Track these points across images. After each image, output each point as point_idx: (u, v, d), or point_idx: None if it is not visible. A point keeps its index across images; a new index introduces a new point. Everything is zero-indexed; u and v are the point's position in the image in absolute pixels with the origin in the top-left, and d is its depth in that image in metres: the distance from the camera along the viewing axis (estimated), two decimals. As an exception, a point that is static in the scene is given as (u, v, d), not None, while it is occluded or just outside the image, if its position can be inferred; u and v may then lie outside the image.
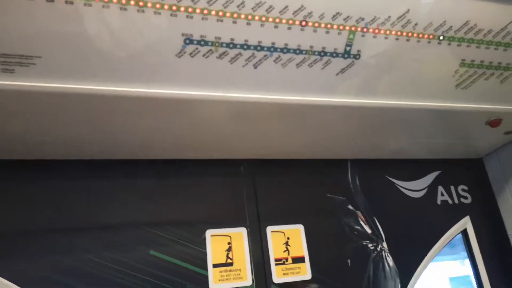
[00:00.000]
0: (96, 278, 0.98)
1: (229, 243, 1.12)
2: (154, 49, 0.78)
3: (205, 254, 1.08)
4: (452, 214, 1.40)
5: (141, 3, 0.72)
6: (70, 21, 0.70)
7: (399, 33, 0.93)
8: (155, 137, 1.01)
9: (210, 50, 0.82)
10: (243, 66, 0.86)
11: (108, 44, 0.74)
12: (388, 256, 1.25)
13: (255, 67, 0.88)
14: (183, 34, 0.78)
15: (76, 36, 0.72)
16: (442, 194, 1.43)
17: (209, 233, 1.11)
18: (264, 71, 0.89)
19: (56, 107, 0.81)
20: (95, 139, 0.96)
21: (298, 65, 0.91)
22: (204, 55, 0.82)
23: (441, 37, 0.97)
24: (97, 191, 1.06)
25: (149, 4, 0.73)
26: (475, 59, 1.05)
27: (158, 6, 0.74)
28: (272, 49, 0.87)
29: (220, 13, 0.79)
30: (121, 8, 0.72)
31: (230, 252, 1.11)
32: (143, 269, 1.02)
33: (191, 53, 0.81)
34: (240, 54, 0.84)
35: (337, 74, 0.96)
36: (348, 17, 0.87)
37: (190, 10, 0.76)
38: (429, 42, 0.98)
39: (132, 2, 0.72)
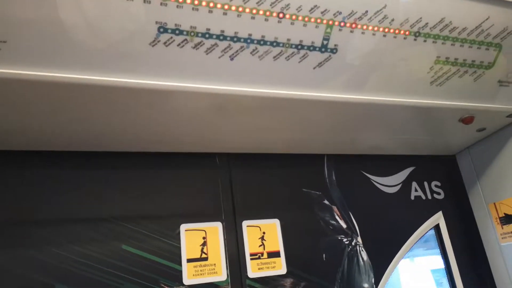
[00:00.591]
0: (67, 273, 0.95)
1: (204, 238, 1.11)
2: (127, 37, 0.76)
3: (179, 248, 1.07)
4: (425, 210, 1.43)
5: (113, -11, 0.70)
6: (40, 5, 0.67)
7: (376, 28, 0.94)
8: (128, 129, 0.99)
9: (185, 39, 0.80)
10: (219, 57, 0.85)
11: (79, 30, 0.71)
12: (362, 250, 1.26)
13: (232, 59, 0.86)
14: (157, 22, 0.76)
15: (45, 22, 0.69)
16: (416, 190, 1.45)
17: (183, 227, 1.09)
18: (241, 63, 0.87)
19: (24, 95, 0.78)
20: (66, 130, 0.93)
21: (275, 57, 0.90)
22: (178, 44, 0.80)
23: (417, 34, 0.98)
24: (67, 183, 1.03)
25: (122, -10, 0.71)
26: (449, 56, 1.06)
27: (131, -8, 0.71)
28: (248, 41, 0.85)
29: (196, 2, 0.77)
30: (92, -7, 0.69)
31: (205, 247, 1.10)
32: (115, 264, 0.99)
33: (165, 42, 0.79)
34: (216, 44, 0.83)
35: (314, 68, 0.95)
36: (325, 10, 0.87)
37: (164, -3, 0.74)
38: (405, 38, 0.98)
39: (104, -12, 0.69)
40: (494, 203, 1.40)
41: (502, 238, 1.37)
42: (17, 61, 0.71)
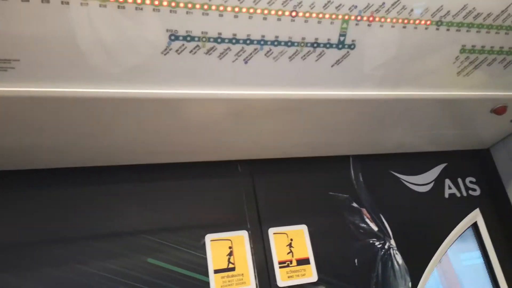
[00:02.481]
0: (94, 290, 0.94)
1: (230, 247, 1.08)
2: (138, 47, 0.75)
3: (205, 259, 1.05)
4: (461, 207, 1.36)
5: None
6: (47, 21, 0.67)
7: (394, 20, 0.90)
8: (146, 141, 0.98)
9: (197, 45, 0.79)
10: (233, 62, 0.83)
11: (88, 44, 0.71)
12: (396, 253, 1.20)
13: (246, 62, 0.84)
14: (167, 30, 0.75)
15: (54, 37, 0.69)
16: (450, 187, 1.38)
17: (208, 237, 1.07)
18: (256, 66, 0.85)
19: (38, 112, 0.78)
20: (83, 145, 0.93)
21: (290, 58, 0.87)
22: (191, 51, 0.78)
23: (439, 23, 0.93)
24: (89, 199, 1.02)
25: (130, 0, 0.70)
26: (475, 44, 1.01)
27: (139, 1, 0.71)
28: (262, 42, 0.83)
29: (205, 7, 0.75)
30: (100, 5, 0.69)
31: (232, 257, 1.07)
32: (141, 277, 0.98)
33: (177, 50, 0.77)
34: (229, 48, 0.81)
35: (332, 66, 0.92)
36: (340, 5, 0.84)
37: (173, 4, 0.73)
38: (426, 29, 0.94)
39: (112, -1, 0.69)
40: (535, 197, 1.32)
41: (547, 233, 1.29)
42: (30, 79, 0.71)
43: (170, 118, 0.90)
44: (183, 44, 0.77)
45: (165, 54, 0.77)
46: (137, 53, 0.75)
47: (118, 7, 0.70)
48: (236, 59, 0.83)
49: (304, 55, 0.88)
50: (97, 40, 0.72)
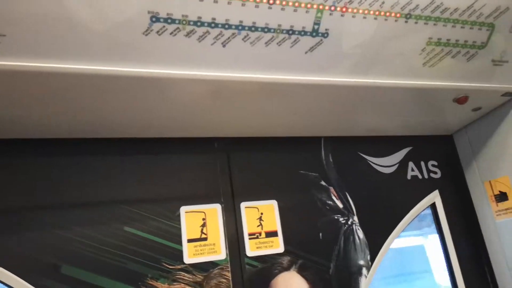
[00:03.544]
0: (72, 254, 1.00)
1: (203, 219, 1.15)
2: (120, 27, 0.78)
3: (179, 229, 1.11)
4: (421, 189, 1.45)
5: (105, -19, 0.72)
6: (34, -1, 0.69)
7: (366, 11, 0.95)
8: (126, 116, 1.02)
9: (178, 28, 0.82)
10: (212, 44, 0.87)
11: (72, 22, 0.74)
12: (358, 229, 1.30)
13: (224, 45, 0.88)
14: (149, 12, 0.78)
15: (40, 14, 0.71)
16: (413, 170, 1.47)
17: (183, 209, 1.14)
18: (233, 49, 0.90)
19: (23, 86, 0.81)
20: (65, 118, 0.97)
21: (266, 43, 0.92)
22: (171, 33, 0.82)
23: (408, 16, 0.99)
24: (68, 170, 1.07)
25: (113, -18, 0.73)
26: (441, 37, 1.07)
27: (122, -17, 0.74)
28: (240, 28, 0.87)
29: (186, -9, 0.79)
30: (84, -14, 0.72)
31: (205, 228, 1.14)
32: (118, 244, 1.04)
33: (158, 31, 0.81)
34: (208, 32, 0.85)
35: (306, 53, 0.97)
36: (315, -5, 0.88)
37: (155, -13, 0.76)
38: (396, 21, 0.99)
39: (96, -21, 0.72)
40: (490, 181, 1.42)
41: (497, 215, 1.40)
42: (15, 54, 0.74)
43: (150, 96, 0.95)
44: (163, 26, 0.81)
45: (146, 35, 0.81)
46: (119, 32, 0.79)
47: (102, -13, 0.73)
48: (215, 42, 0.87)
49: (280, 41, 0.93)
50: (81, 18, 0.75)
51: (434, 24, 1.04)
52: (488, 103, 1.34)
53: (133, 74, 0.85)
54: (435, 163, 1.52)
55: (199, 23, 0.83)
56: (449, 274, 1.39)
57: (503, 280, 1.38)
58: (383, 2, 0.95)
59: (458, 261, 1.39)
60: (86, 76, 0.82)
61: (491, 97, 1.30)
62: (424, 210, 1.44)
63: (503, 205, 1.38)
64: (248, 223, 1.19)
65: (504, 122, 1.37)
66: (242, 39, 0.89)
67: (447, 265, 1.40)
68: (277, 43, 0.93)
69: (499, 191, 1.39)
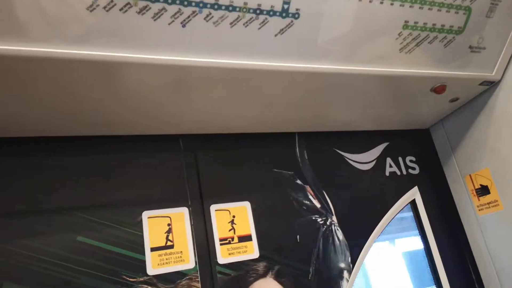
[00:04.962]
0: (15, 269, 0.87)
1: (169, 224, 1.04)
2: (59, 2, 0.67)
3: (141, 237, 1.00)
4: (400, 185, 1.39)
5: None
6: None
7: (339, -10, 0.88)
8: (75, 109, 0.90)
9: (128, 3, 0.72)
10: (169, 24, 0.77)
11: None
12: (337, 229, 1.21)
13: (183, 26, 0.79)
14: (93, -17, 0.68)
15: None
16: (391, 166, 1.41)
17: (146, 214, 1.02)
18: (194, 30, 0.80)
19: None
20: (8, 112, 0.83)
21: (232, 24, 0.83)
22: (121, 9, 0.72)
23: (383, -4, 0.93)
24: (13, 173, 0.93)
25: None
26: (418, 20, 1.01)
27: None
28: (201, 5, 0.78)
29: (137, -40, 0.69)
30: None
31: (170, 234, 1.03)
32: (70, 257, 0.91)
33: (105, 7, 0.71)
34: (164, 9, 0.75)
35: (275, 35, 0.89)
36: (284, -30, 0.80)
37: (99, -46, 0.66)
38: (370, 2, 0.93)
39: None
40: (470, 175, 1.37)
41: (479, 210, 1.35)
42: None
43: (100, 85, 0.83)
44: (112, 1, 0.71)
45: (91, 11, 0.70)
46: (58, 8, 0.68)
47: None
48: (173, 21, 0.77)
49: (246, 22, 0.84)
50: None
51: (410, 7, 0.98)
52: (465, 93, 1.29)
53: (73, 56, 0.73)
54: (413, 158, 1.47)
55: (153, -2, 0.73)
56: (432, 273, 1.33)
57: (487, 276, 1.33)
58: (357, -20, 0.88)
59: (441, 259, 1.33)
60: (21, 58, 0.70)
61: (469, 86, 1.25)
62: (404, 207, 1.38)
63: (484, 199, 1.33)
64: (219, 228, 1.08)
65: (482, 114, 1.33)
66: (204, 19, 0.80)
67: (429, 264, 1.34)
68: (244, 24, 0.84)
69: (480, 185, 1.34)
